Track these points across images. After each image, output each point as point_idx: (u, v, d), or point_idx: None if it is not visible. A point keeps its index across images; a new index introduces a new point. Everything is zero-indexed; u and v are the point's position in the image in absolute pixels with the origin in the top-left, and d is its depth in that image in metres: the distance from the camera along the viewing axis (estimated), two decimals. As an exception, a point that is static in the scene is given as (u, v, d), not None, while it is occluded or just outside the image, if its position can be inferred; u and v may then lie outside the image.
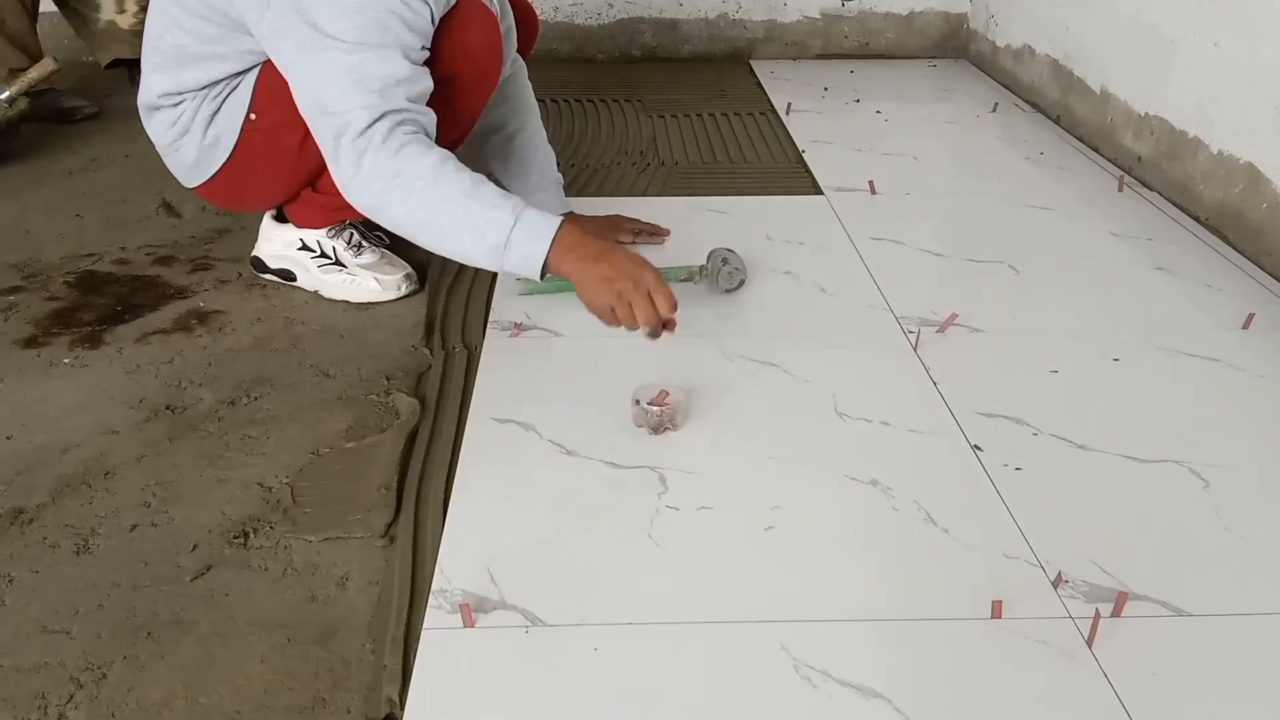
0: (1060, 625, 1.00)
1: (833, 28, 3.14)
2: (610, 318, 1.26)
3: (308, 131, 1.43)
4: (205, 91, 1.47)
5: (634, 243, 1.75)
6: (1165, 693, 0.93)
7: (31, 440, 1.30)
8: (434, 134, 1.32)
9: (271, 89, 1.43)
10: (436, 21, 1.35)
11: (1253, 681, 0.94)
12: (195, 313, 1.61)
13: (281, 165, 1.53)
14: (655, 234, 1.79)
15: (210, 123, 1.49)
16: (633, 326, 1.26)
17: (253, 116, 1.47)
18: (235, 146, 1.50)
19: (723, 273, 1.61)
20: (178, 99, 1.49)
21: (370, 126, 1.25)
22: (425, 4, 1.31)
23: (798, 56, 3.16)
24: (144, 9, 1.98)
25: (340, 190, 1.31)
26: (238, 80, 1.47)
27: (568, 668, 0.95)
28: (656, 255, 1.74)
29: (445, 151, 1.28)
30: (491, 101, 1.68)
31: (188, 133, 1.50)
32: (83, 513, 1.17)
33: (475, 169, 1.29)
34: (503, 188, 1.42)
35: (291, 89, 1.33)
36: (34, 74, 2.27)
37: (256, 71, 1.45)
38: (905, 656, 0.96)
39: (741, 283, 1.63)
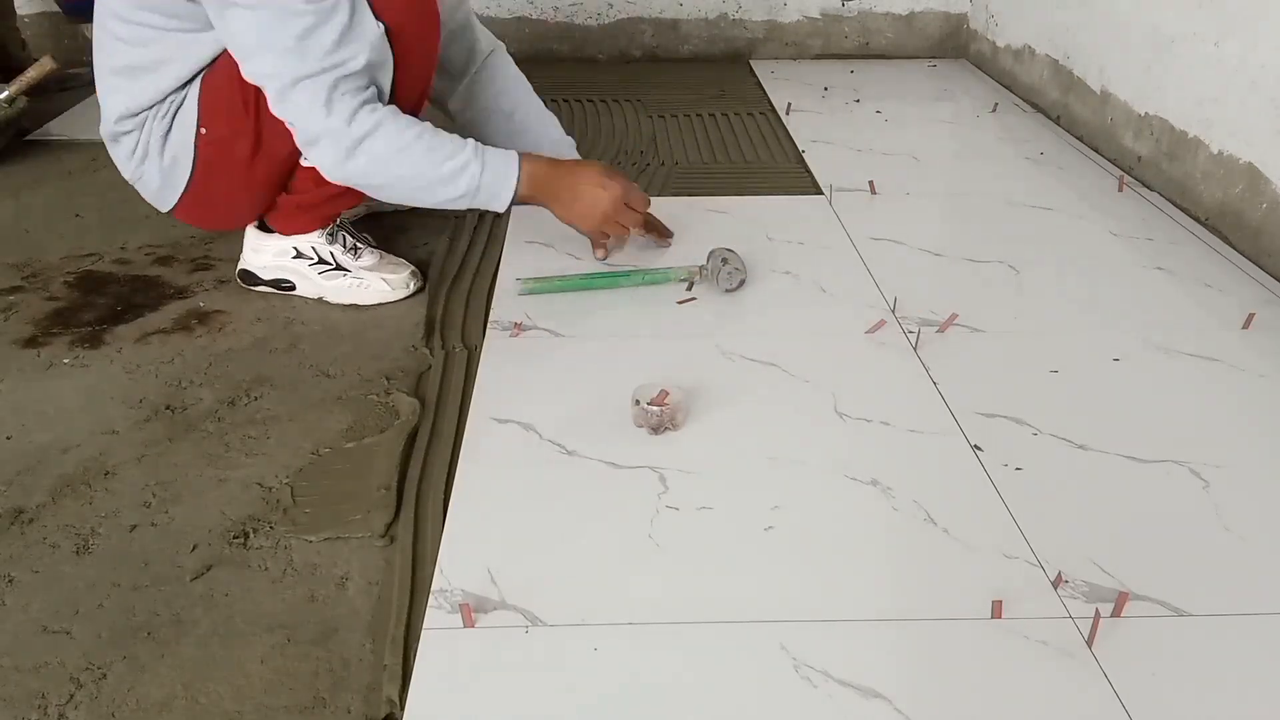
0: (1060, 625, 1.00)
1: (833, 28, 3.14)
2: (602, 234, 1.39)
3: (256, 138, 1.44)
4: (156, 110, 1.46)
5: (642, 235, 1.73)
6: (1165, 693, 0.93)
7: (31, 440, 1.30)
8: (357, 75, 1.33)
9: (213, 98, 1.44)
10: None
11: (1253, 681, 0.94)
12: (195, 313, 1.61)
13: (241, 175, 1.51)
14: (662, 235, 1.77)
15: (165, 142, 1.48)
16: (625, 235, 1.44)
17: (203, 130, 1.46)
18: (194, 163, 1.49)
19: (723, 273, 1.61)
20: (133, 123, 1.47)
21: (330, 93, 1.29)
22: None
23: (798, 56, 3.17)
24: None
25: (309, 159, 1.35)
26: (183, 94, 1.45)
27: (568, 668, 0.95)
28: (660, 257, 1.75)
29: (392, 108, 1.34)
30: (478, 85, 1.70)
31: (148, 157, 1.49)
32: (83, 513, 1.17)
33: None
34: None
35: (236, 58, 1.33)
36: (33, 73, 2.28)
37: (199, 83, 1.44)
38: (905, 656, 0.96)
39: (742, 282, 1.63)
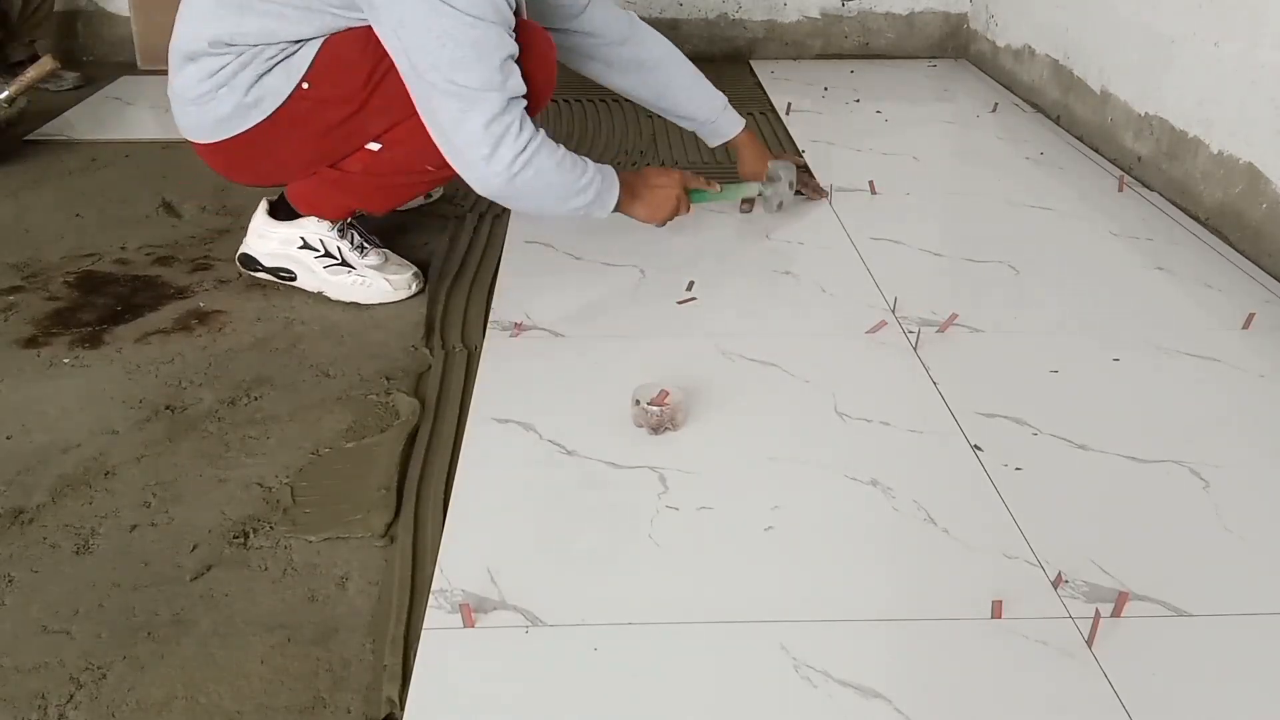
0: (1060, 625, 1.00)
1: (833, 28, 3.14)
2: (663, 219, 1.66)
3: (354, 111, 1.46)
4: (258, 50, 1.43)
5: (797, 190, 1.91)
6: (1165, 693, 0.93)
7: (31, 440, 1.30)
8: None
9: (334, 62, 1.43)
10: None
11: (1253, 681, 0.94)
12: (195, 313, 1.61)
13: (313, 139, 1.50)
14: (816, 192, 1.99)
15: (256, 82, 1.45)
16: (689, 213, 1.70)
17: (305, 85, 1.44)
18: (277, 110, 1.46)
19: (774, 204, 1.86)
20: (227, 51, 1.43)
21: (502, 113, 1.35)
22: None
23: (798, 56, 3.17)
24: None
25: (462, 166, 1.40)
26: (297, 47, 1.43)
27: (568, 668, 0.95)
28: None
29: (544, 135, 1.43)
30: (627, 57, 1.81)
31: (227, 87, 1.45)
32: (83, 513, 1.17)
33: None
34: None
35: (396, 54, 1.35)
36: (33, 73, 2.27)
37: (319, 42, 1.43)
38: (905, 656, 0.96)
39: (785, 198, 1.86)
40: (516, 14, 1.41)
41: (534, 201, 1.48)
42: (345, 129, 1.49)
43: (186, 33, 1.46)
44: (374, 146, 1.51)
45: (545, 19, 1.67)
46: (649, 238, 1.77)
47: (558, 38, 1.64)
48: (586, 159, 1.51)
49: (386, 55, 1.38)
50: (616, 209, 1.57)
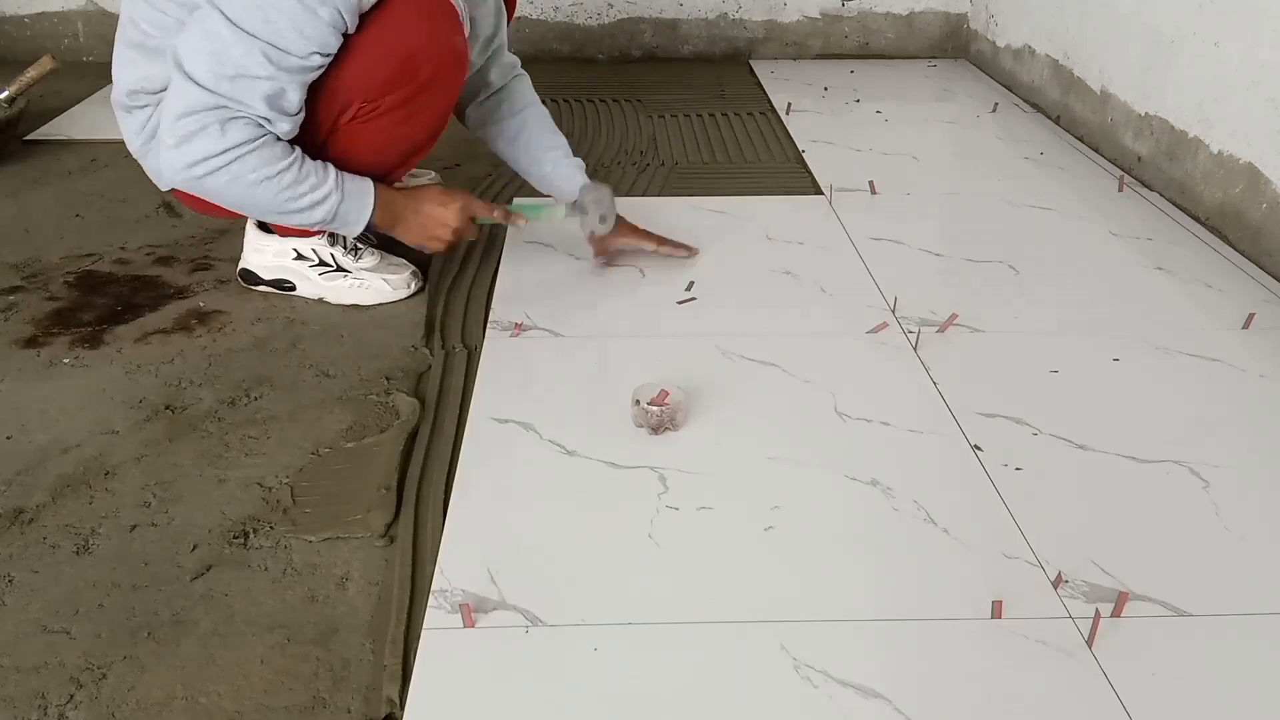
0: (1060, 625, 1.00)
1: (833, 28, 3.14)
2: (436, 246, 1.56)
3: None
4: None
5: (656, 252, 1.72)
6: (1165, 693, 0.93)
7: (31, 440, 1.30)
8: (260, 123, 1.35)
9: None
10: (350, 25, 1.34)
11: (1253, 681, 0.94)
12: (195, 313, 1.61)
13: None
14: (677, 249, 1.74)
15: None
16: (455, 242, 1.57)
17: None
18: None
19: (585, 220, 1.64)
20: (147, 99, 1.47)
21: (210, 111, 1.31)
22: (330, 6, 1.30)
23: (798, 56, 3.17)
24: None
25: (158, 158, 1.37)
26: None
27: (568, 668, 0.95)
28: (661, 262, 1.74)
29: (266, 139, 1.36)
30: (486, 109, 1.71)
31: (155, 136, 1.47)
32: (83, 513, 1.17)
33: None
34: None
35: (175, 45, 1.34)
36: (32, 73, 2.28)
37: None
38: (905, 656, 0.96)
39: (606, 226, 1.65)
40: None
41: (234, 204, 1.43)
42: None
43: (115, 85, 1.50)
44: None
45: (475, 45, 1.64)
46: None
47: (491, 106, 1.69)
48: (337, 175, 1.42)
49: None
50: (377, 229, 1.51)
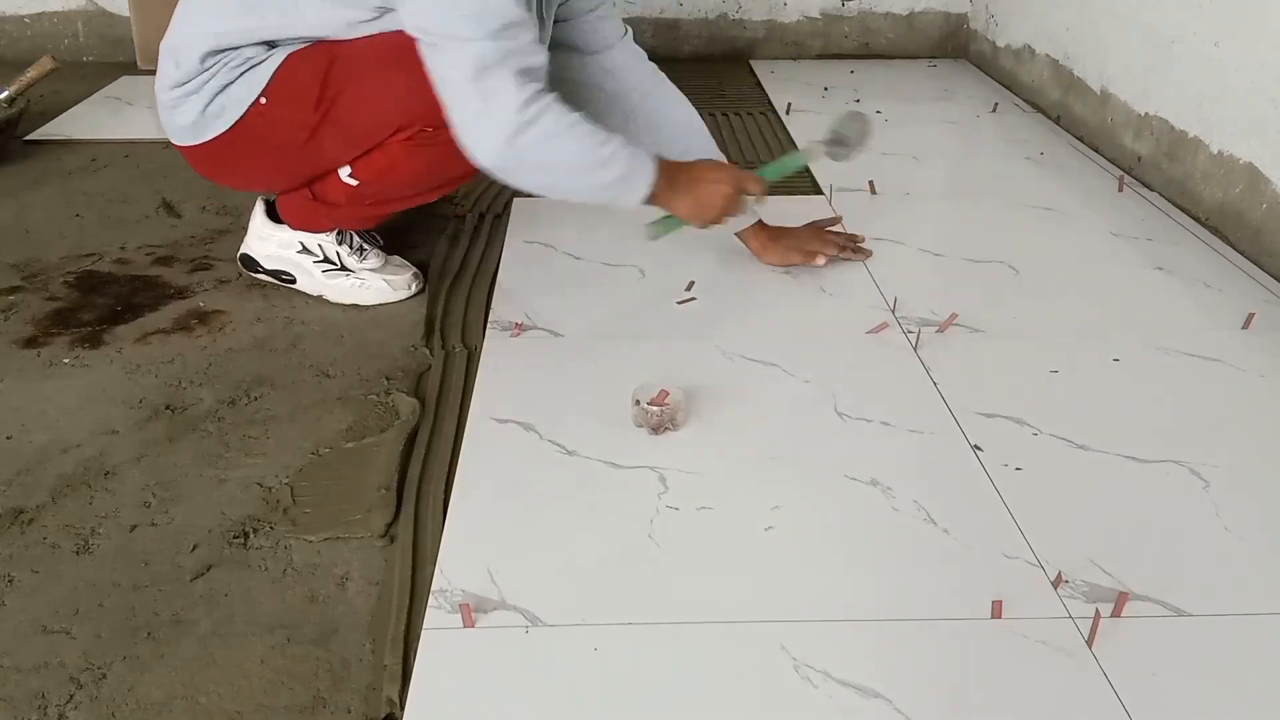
0: (1060, 625, 1.00)
1: (833, 28, 3.14)
2: (710, 217, 1.46)
3: (313, 132, 1.43)
4: (228, 57, 1.41)
5: (836, 256, 1.72)
6: (1165, 693, 0.93)
7: (31, 440, 1.30)
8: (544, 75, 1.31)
9: (292, 78, 1.41)
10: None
11: (1253, 681, 0.94)
12: (195, 313, 1.61)
13: (274, 156, 1.50)
14: (857, 251, 1.74)
15: (220, 93, 1.44)
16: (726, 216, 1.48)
17: (263, 100, 1.43)
18: (236, 123, 1.45)
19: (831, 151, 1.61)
20: (208, 60, 1.41)
21: (496, 65, 1.24)
22: None
23: (798, 56, 3.17)
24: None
25: (459, 132, 1.30)
26: (265, 56, 1.41)
27: (568, 668, 0.95)
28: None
29: (556, 95, 1.30)
30: (606, 71, 1.64)
31: (195, 95, 1.45)
32: (83, 513, 1.17)
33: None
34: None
35: (403, 11, 1.29)
36: (33, 73, 2.28)
37: (283, 55, 1.41)
38: (905, 656, 0.96)
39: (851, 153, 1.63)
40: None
41: (543, 175, 1.35)
42: (304, 152, 1.47)
43: (183, 30, 1.44)
44: (352, 181, 1.48)
45: (571, 39, 1.61)
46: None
47: (577, 65, 1.59)
48: (615, 134, 1.35)
49: (336, 81, 1.38)
50: (652, 200, 1.40)
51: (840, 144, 1.62)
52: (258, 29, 1.40)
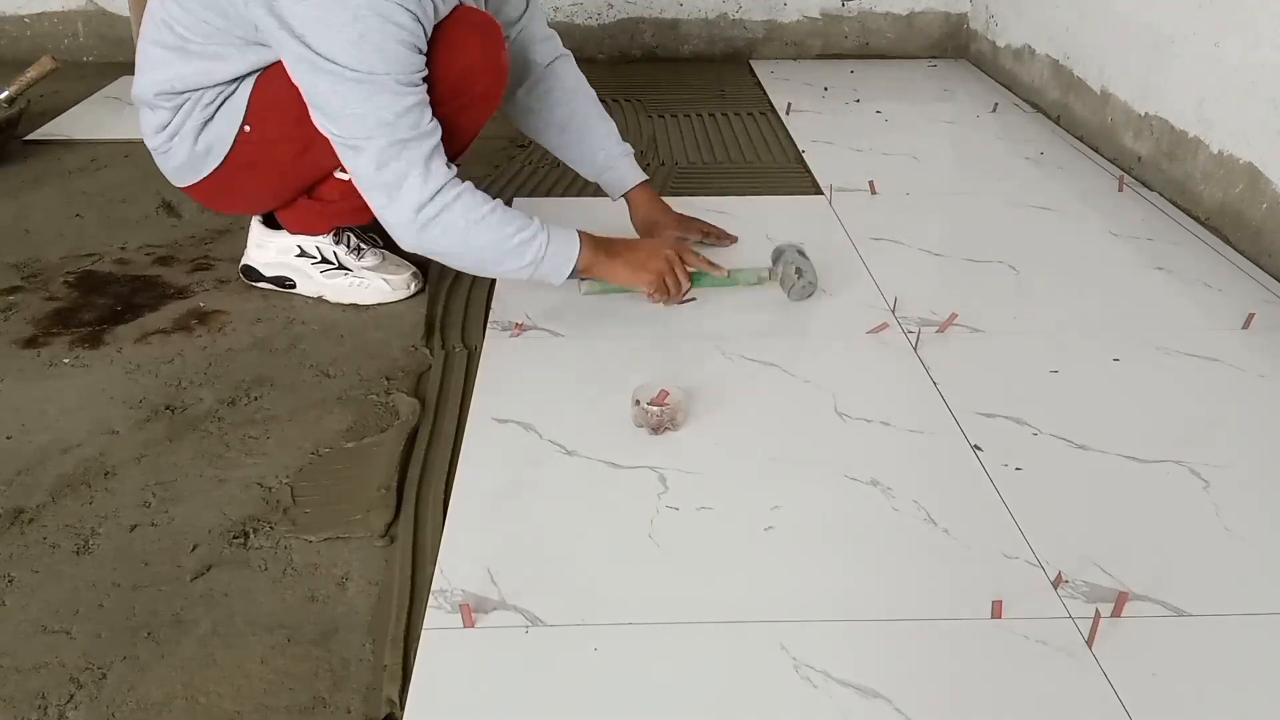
0: (1060, 625, 1.00)
1: (833, 28, 3.14)
2: (659, 292, 1.54)
3: (305, 145, 1.43)
4: (200, 96, 1.44)
5: (702, 242, 1.74)
6: (1165, 693, 0.93)
7: (31, 440, 1.30)
8: (441, 145, 1.35)
9: (268, 100, 1.42)
10: (429, 33, 1.34)
11: (1253, 681, 0.94)
12: (195, 313, 1.61)
13: (274, 176, 1.52)
14: (722, 238, 1.78)
15: (203, 130, 1.46)
16: (674, 296, 1.55)
17: (247, 128, 1.45)
18: (227, 157, 1.48)
19: (796, 286, 1.58)
20: (171, 100, 1.45)
21: (393, 158, 1.30)
22: (418, 22, 1.29)
23: (798, 56, 3.17)
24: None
25: (380, 219, 1.37)
26: (234, 87, 1.44)
27: (568, 668, 0.95)
28: (724, 256, 1.74)
29: (468, 186, 1.37)
30: (535, 96, 1.67)
31: (178, 136, 1.47)
32: (83, 513, 1.17)
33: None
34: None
35: (306, 100, 1.32)
36: (33, 73, 2.28)
37: (253, 81, 1.43)
38: (905, 656, 0.96)
39: (811, 294, 1.61)
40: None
41: (459, 261, 1.43)
42: (301, 164, 1.48)
43: (140, 80, 1.47)
44: (344, 175, 1.48)
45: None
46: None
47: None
48: (533, 217, 1.41)
49: None
50: (585, 274, 1.48)
51: (799, 274, 1.59)
52: (197, 74, 1.42)
